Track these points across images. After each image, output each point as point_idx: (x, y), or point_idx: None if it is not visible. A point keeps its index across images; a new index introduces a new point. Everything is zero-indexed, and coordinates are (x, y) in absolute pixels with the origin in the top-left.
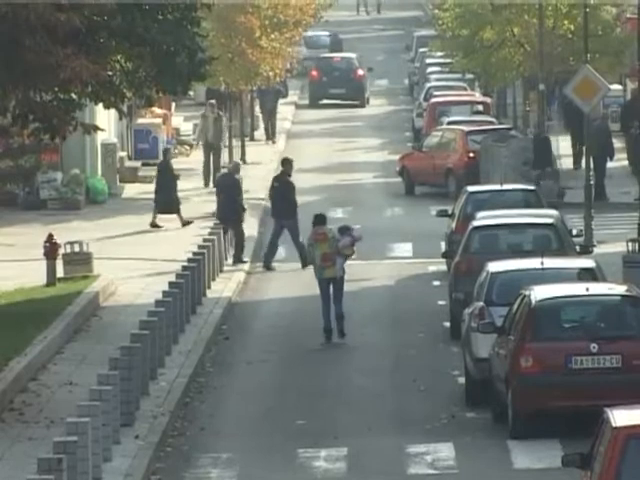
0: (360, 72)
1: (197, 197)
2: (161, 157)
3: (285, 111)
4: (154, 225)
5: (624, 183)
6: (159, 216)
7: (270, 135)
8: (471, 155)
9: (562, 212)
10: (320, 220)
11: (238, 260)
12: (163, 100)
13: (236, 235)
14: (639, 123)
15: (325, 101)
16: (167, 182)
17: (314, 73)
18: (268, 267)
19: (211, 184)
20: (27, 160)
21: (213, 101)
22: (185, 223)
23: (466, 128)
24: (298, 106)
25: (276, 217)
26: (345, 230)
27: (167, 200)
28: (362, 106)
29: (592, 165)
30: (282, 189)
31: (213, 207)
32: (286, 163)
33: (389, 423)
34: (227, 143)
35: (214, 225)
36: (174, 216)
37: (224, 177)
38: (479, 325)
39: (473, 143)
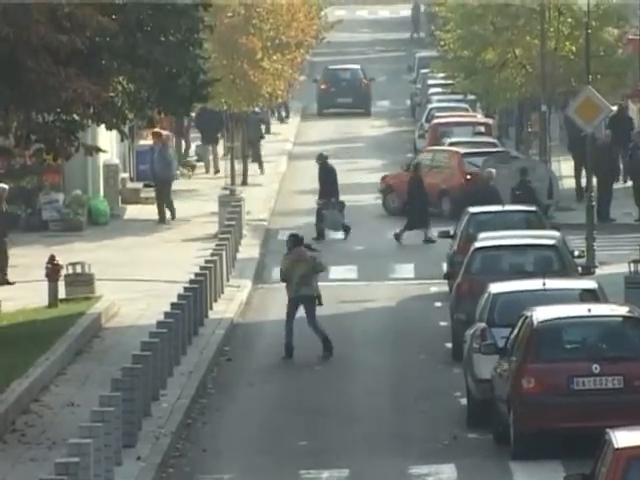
0: (365, 82)
1: (199, 219)
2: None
3: (289, 127)
4: (428, 240)
5: (626, 204)
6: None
7: (257, 166)
8: (468, 177)
9: (563, 233)
10: (298, 241)
11: None
12: (165, 121)
13: None
14: (634, 140)
15: (332, 110)
16: (419, 196)
17: (322, 84)
18: None
19: (168, 218)
20: (29, 181)
21: (159, 130)
22: (396, 237)
23: (462, 150)
24: (304, 117)
25: (587, 209)
26: (297, 241)
27: (419, 215)
28: (368, 114)
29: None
30: (523, 196)
31: (214, 228)
32: (525, 173)
33: (391, 444)
34: (181, 174)
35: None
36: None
37: (479, 186)
38: (481, 346)
39: (469, 165)
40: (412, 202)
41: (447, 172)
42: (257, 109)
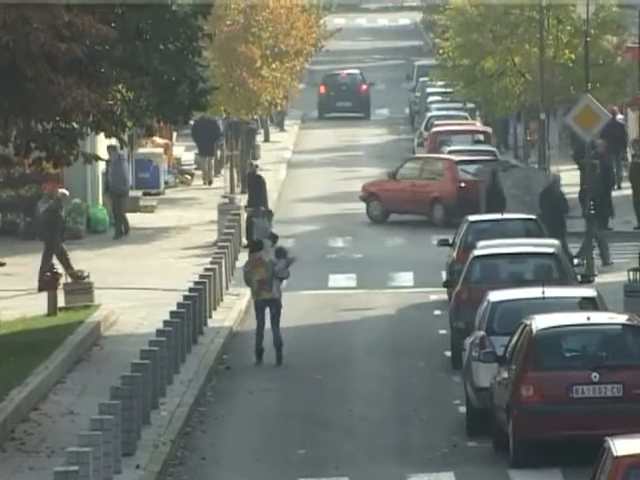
0: (364, 87)
1: (198, 227)
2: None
3: (288, 135)
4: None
5: (625, 212)
6: None
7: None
8: (462, 185)
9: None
10: (257, 246)
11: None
12: (164, 130)
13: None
14: (635, 151)
15: (333, 114)
16: (498, 202)
17: (322, 88)
18: (607, 263)
19: (123, 233)
20: (28, 190)
21: (114, 144)
22: None
23: (455, 158)
24: (303, 125)
25: (587, 217)
26: (281, 253)
27: None
28: (367, 118)
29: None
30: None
31: (214, 237)
32: (594, 168)
33: (390, 452)
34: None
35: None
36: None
37: (546, 192)
38: (480, 354)
39: (463, 173)
40: (491, 208)
41: (440, 180)
42: (256, 117)
